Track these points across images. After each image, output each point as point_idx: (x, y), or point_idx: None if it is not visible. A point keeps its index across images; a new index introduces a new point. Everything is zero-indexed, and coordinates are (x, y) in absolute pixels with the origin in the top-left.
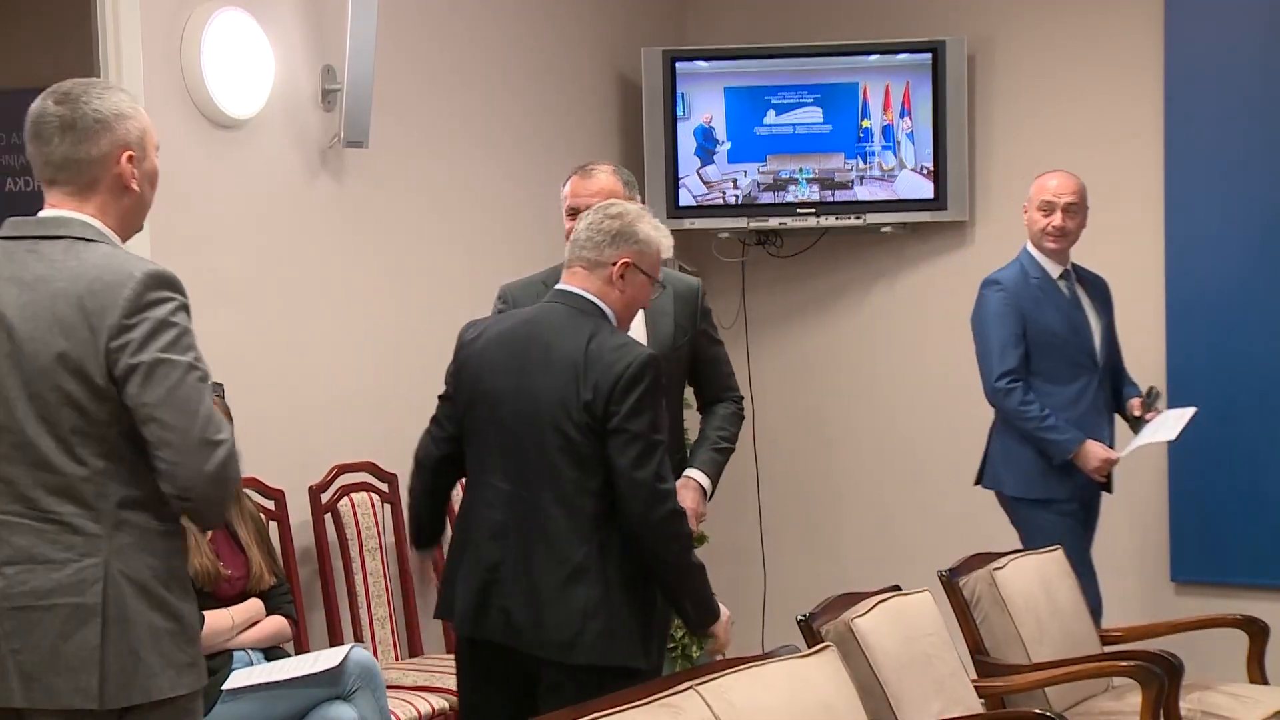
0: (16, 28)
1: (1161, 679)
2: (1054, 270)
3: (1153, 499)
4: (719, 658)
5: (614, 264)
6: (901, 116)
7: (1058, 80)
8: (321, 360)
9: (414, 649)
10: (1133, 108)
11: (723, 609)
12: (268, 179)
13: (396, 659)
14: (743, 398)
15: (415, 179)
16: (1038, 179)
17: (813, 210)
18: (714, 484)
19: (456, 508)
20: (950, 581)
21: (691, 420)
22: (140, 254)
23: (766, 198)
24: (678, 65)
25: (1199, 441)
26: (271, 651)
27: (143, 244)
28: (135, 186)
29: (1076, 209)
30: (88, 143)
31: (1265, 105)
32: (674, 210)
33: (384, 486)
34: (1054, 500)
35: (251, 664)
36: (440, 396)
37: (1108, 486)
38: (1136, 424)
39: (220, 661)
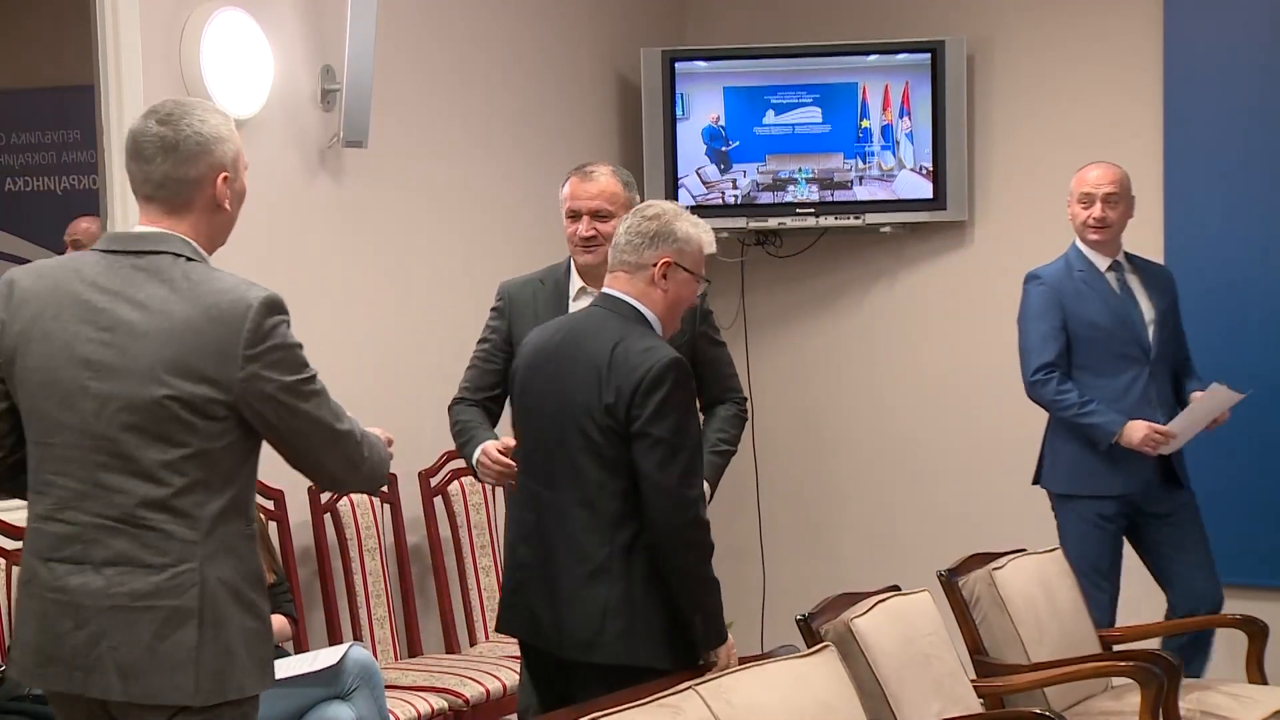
0: (16, 28)
1: (1161, 679)
2: (1101, 262)
3: (1092, 514)
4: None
5: (654, 265)
6: (901, 116)
7: (1057, 80)
8: (320, 360)
9: (413, 649)
10: (1132, 108)
11: (730, 638)
12: (267, 179)
13: (396, 659)
14: (745, 399)
15: (415, 179)
16: (1078, 171)
17: (812, 210)
18: (714, 487)
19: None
20: (949, 581)
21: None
22: None
23: (766, 198)
24: (677, 65)
25: (1199, 441)
26: None
27: None
28: (227, 206)
29: (1117, 199)
30: (187, 164)
31: (1265, 105)
32: None
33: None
34: (1093, 497)
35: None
36: None
37: (1176, 479)
38: None
39: None
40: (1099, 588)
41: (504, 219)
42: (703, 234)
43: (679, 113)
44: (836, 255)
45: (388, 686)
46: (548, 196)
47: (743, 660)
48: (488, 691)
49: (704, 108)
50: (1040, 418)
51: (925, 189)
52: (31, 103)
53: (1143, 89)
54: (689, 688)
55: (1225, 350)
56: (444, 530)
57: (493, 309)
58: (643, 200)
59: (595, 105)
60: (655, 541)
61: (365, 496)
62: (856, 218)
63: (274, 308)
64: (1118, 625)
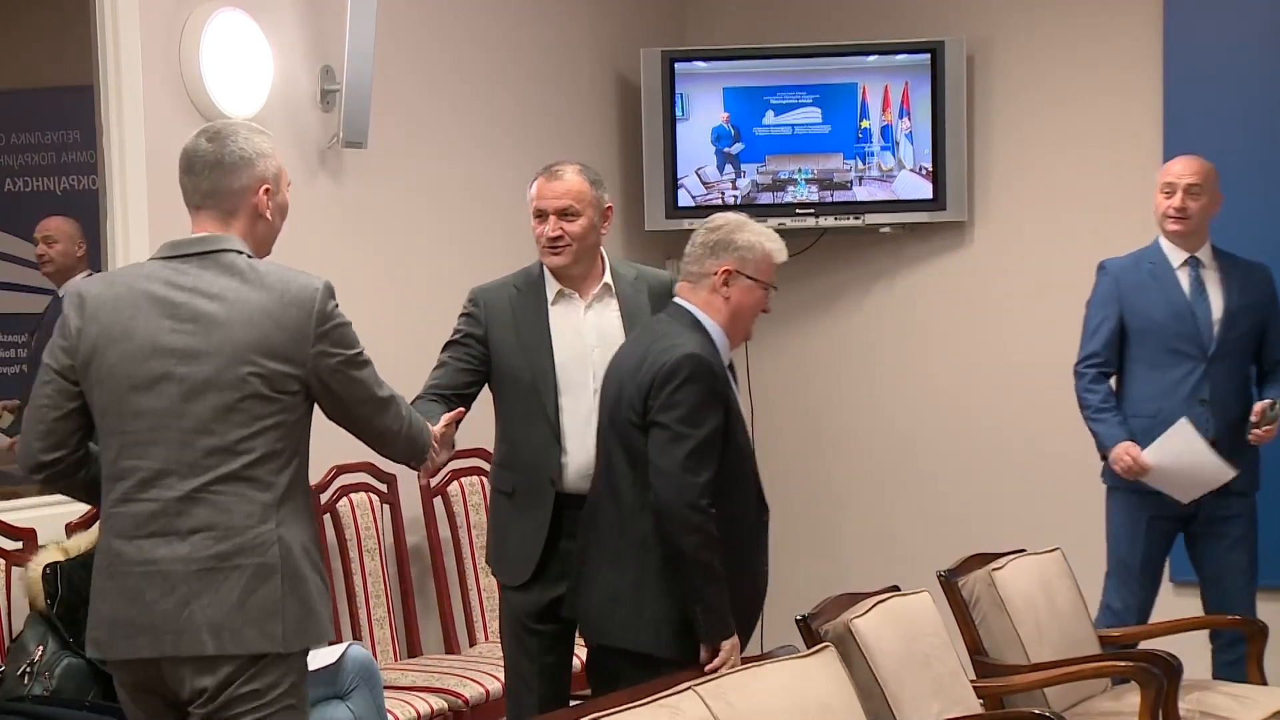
0: (16, 28)
1: (1160, 679)
2: (1176, 257)
3: (1137, 509)
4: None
5: (715, 273)
6: (900, 117)
7: (1056, 81)
8: None
9: (413, 649)
10: (1131, 108)
11: (734, 636)
12: None
13: (395, 659)
14: None
15: (414, 179)
16: (1164, 164)
17: (811, 211)
18: None
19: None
20: (949, 582)
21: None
22: (138, 253)
23: (765, 198)
24: (677, 66)
25: None
26: None
27: (141, 244)
28: (269, 215)
29: (1199, 191)
30: (231, 176)
31: (1263, 105)
32: (673, 211)
33: (383, 487)
34: (1129, 490)
35: None
36: None
37: (1227, 485)
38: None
39: None
40: (1126, 585)
41: (503, 219)
42: (767, 242)
43: (679, 113)
44: (836, 256)
45: (387, 687)
46: None
47: (743, 660)
48: (487, 692)
49: (705, 108)
50: (1040, 418)
51: (925, 189)
52: (31, 103)
53: (1143, 89)
54: (688, 688)
55: None
56: (444, 530)
57: (465, 314)
58: (611, 199)
59: (595, 105)
60: (658, 526)
61: (365, 496)
62: (856, 218)
63: (332, 292)
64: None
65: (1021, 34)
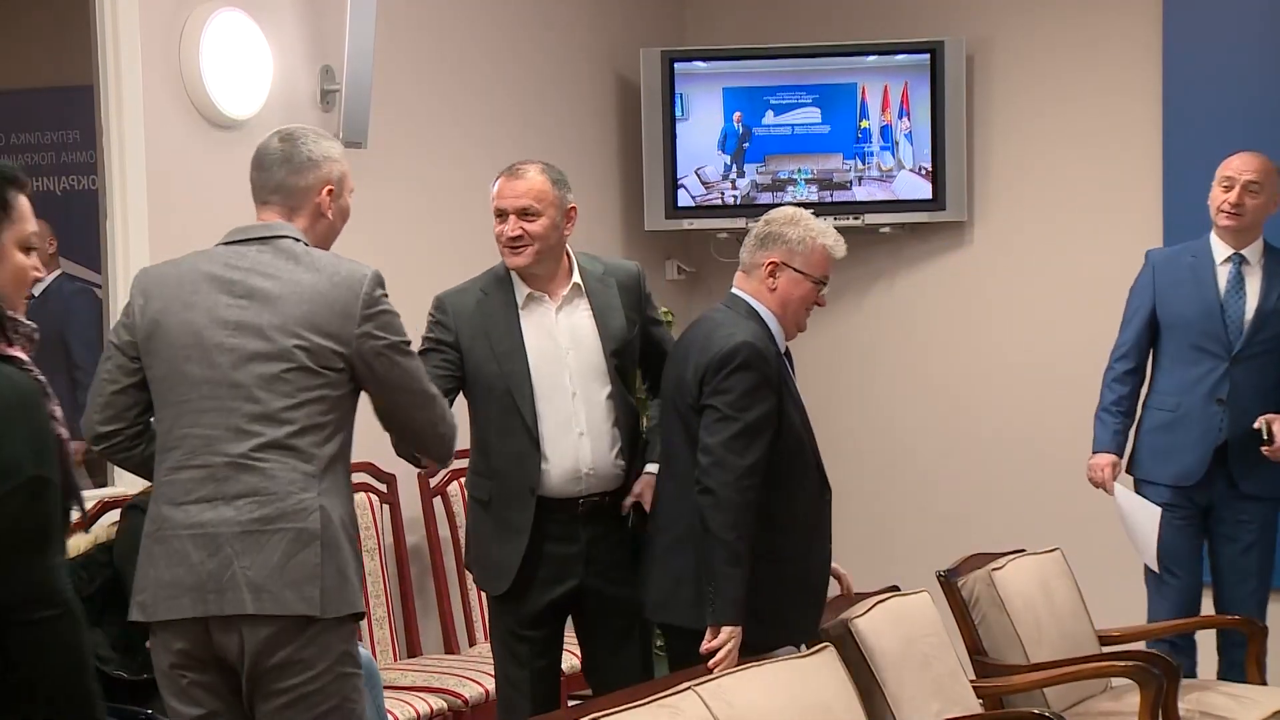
0: (16, 28)
1: (1160, 679)
2: (1221, 253)
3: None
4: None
5: (763, 265)
6: (900, 117)
7: (1056, 81)
8: None
9: (412, 649)
10: (1132, 108)
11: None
12: None
13: (395, 659)
14: None
15: (414, 179)
16: (1225, 158)
17: (811, 211)
18: None
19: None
20: (949, 582)
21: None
22: (138, 253)
23: (765, 198)
24: (676, 66)
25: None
26: None
27: (141, 244)
28: (329, 216)
29: (1259, 188)
30: (298, 175)
31: (1263, 105)
32: (672, 211)
33: (382, 487)
34: (1147, 481)
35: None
36: None
37: (1242, 489)
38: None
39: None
40: (1157, 576)
41: None
42: (819, 238)
43: (678, 113)
44: None
45: (387, 687)
46: None
47: (742, 661)
48: (487, 692)
49: (705, 108)
50: (1040, 418)
51: (924, 189)
52: (31, 103)
53: (1142, 89)
54: (688, 688)
55: None
56: (443, 530)
57: (433, 321)
58: (572, 198)
59: (595, 105)
60: (699, 501)
61: (364, 496)
62: (856, 218)
63: (381, 281)
64: (1116, 625)
65: (1021, 34)
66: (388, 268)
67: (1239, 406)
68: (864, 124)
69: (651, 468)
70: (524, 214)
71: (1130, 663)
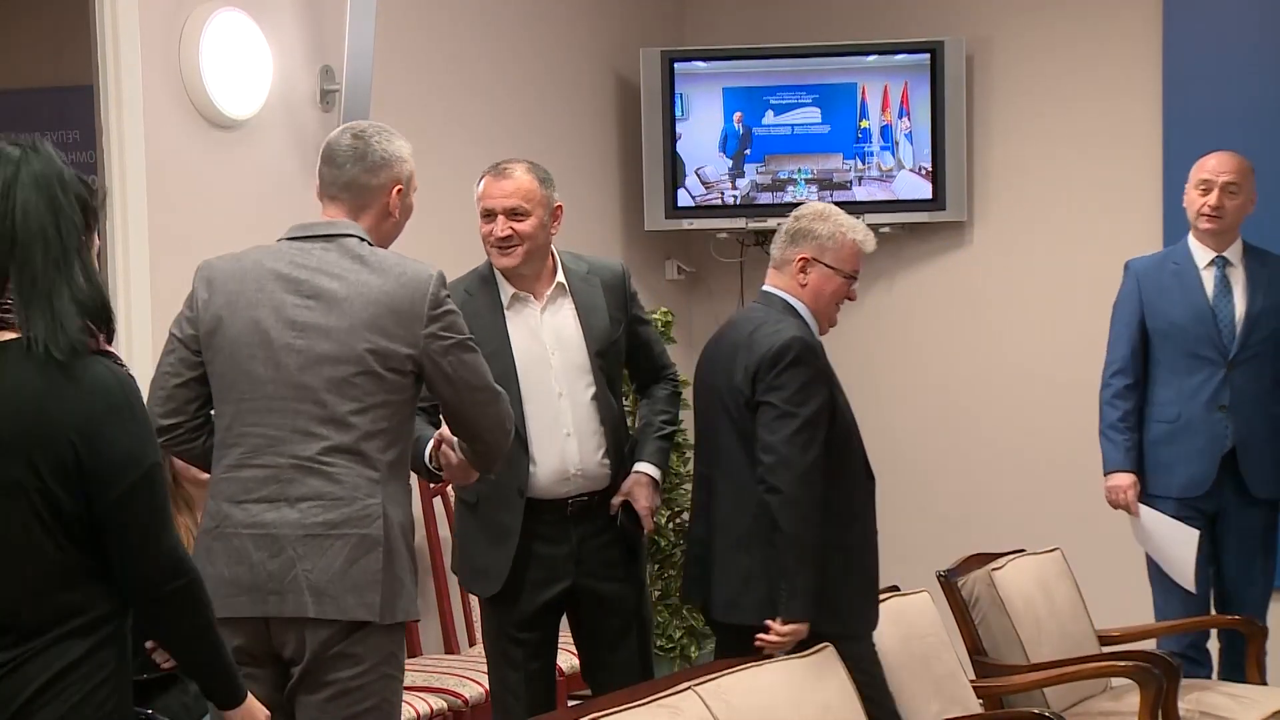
0: (16, 27)
1: (1160, 679)
2: (1203, 257)
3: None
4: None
5: (794, 261)
6: (900, 117)
7: (1056, 81)
8: None
9: (412, 649)
10: (1131, 108)
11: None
12: (266, 179)
13: None
14: (678, 376)
15: None
16: (1200, 158)
17: None
18: (664, 470)
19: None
20: (949, 582)
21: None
22: (138, 253)
23: (765, 198)
24: (676, 66)
25: None
26: None
27: (141, 244)
28: (395, 215)
29: (1238, 189)
30: (370, 173)
31: (1262, 106)
32: (672, 211)
33: None
34: (1156, 496)
35: None
36: None
37: (1248, 492)
38: None
39: None
40: (1164, 584)
41: None
42: (849, 233)
43: (678, 113)
44: None
45: None
46: None
47: (742, 661)
48: (486, 692)
49: (705, 108)
50: (1039, 418)
51: (924, 189)
52: (31, 103)
53: (1142, 89)
54: (688, 688)
55: None
56: (443, 530)
57: None
58: (558, 197)
59: (595, 106)
60: (761, 497)
61: None
62: (855, 218)
63: (445, 281)
64: (1116, 625)
65: (1021, 34)
66: None
67: (1242, 411)
68: (864, 124)
69: (641, 467)
70: (512, 214)
71: (1130, 663)
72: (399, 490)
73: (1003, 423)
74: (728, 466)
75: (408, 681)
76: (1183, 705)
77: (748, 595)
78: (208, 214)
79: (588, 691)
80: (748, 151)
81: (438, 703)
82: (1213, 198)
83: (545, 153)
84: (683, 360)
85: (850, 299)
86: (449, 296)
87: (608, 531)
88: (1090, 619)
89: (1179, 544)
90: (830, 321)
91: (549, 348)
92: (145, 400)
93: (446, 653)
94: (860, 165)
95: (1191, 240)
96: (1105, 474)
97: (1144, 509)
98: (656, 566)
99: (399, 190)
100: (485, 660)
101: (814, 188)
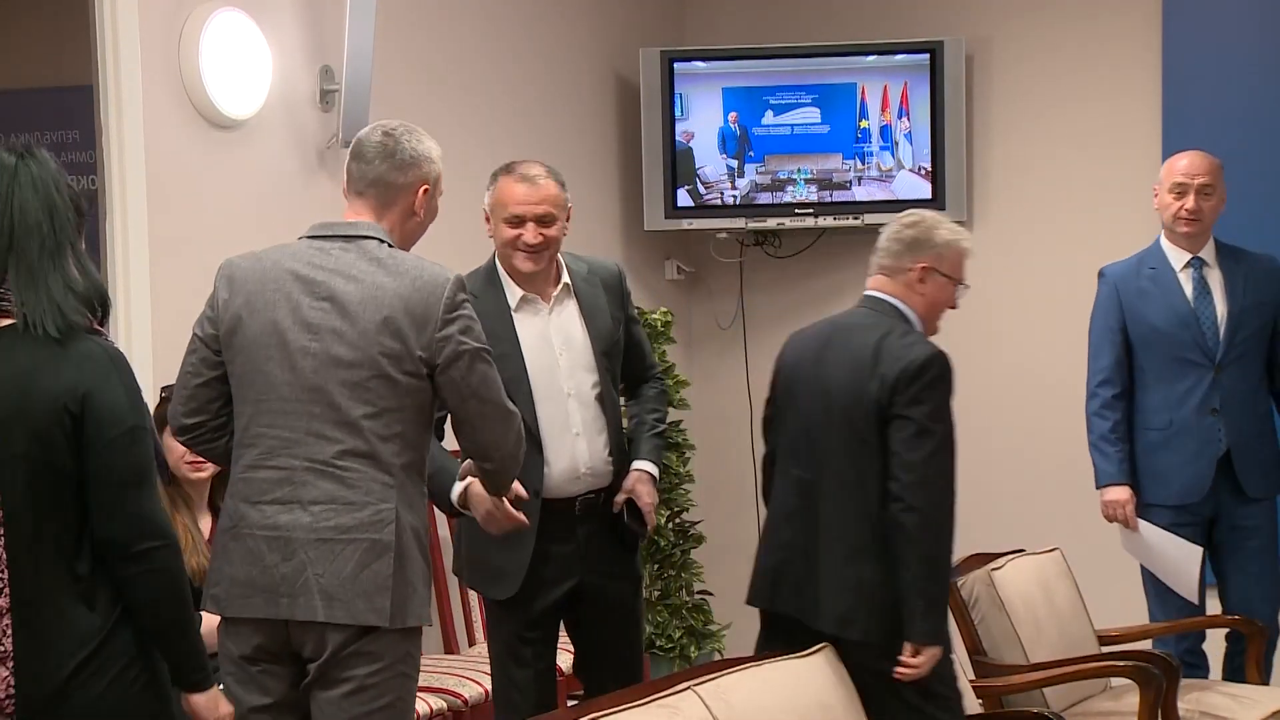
0: (16, 27)
1: (1159, 679)
2: (1179, 259)
3: (1155, 522)
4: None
5: (912, 269)
6: (899, 117)
7: (1055, 81)
8: None
9: None
10: (1131, 108)
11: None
12: (265, 179)
13: None
14: (663, 376)
15: None
16: (1168, 160)
17: (811, 211)
18: (660, 467)
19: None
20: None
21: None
22: (138, 253)
23: (764, 198)
24: (676, 66)
25: None
26: None
27: (140, 243)
28: (420, 215)
29: (1211, 190)
30: (398, 171)
31: (1263, 105)
32: (672, 211)
33: None
34: (1151, 505)
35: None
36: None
37: (1244, 491)
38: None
39: (217, 661)
40: (1158, 589)
41: None
42: (961, 240)
43: (678, 113)
44: (835, 256)
45: None
46: None
47: (741, 660)
48: (486, 692)
49: (705, 108)
50: (1039, 418)
51: (924, 189)
52: (31, 103)
53: (1142, 89)
54: (688, 688)
55: None
56: (443, 531)
57: None
58: (570, 200)
59: (595, 105)
60: (894, 515)
61: None
62: (855, 218)
63: (464, 285)
64: (1116, 625)
65: (1021, 34)
66: None
67: (1233, 413)
68: (863, 124)
69: (640, 464)
70: (541, 220)
71: (1130, 663)
72: (413, 494)
73: (1002, 422)
74: (840, 473)
75: None
76: (1182, 705)
77: (866, 612)
78: (207, 214)
79: (580, 690)
80: (750, 153)
81: (438, 703)
82: (1189, 201)
83: (545, 153)
84: (683, 360)
85: (953, 307)
86: (467, 301)
87: (609, 529)
88: (1090, 619)
89: (1183, 559)
90: (934, 330)
91: (557, 349)
92: (172, 400)
93: (446, 653)
94: (860, 165)
95: (1165, 243)
96: (1099, 487)
97: (1144, 525)
98: (656, 566)
99: (425, 190)
100: (484, 661)
101: (813, 188)
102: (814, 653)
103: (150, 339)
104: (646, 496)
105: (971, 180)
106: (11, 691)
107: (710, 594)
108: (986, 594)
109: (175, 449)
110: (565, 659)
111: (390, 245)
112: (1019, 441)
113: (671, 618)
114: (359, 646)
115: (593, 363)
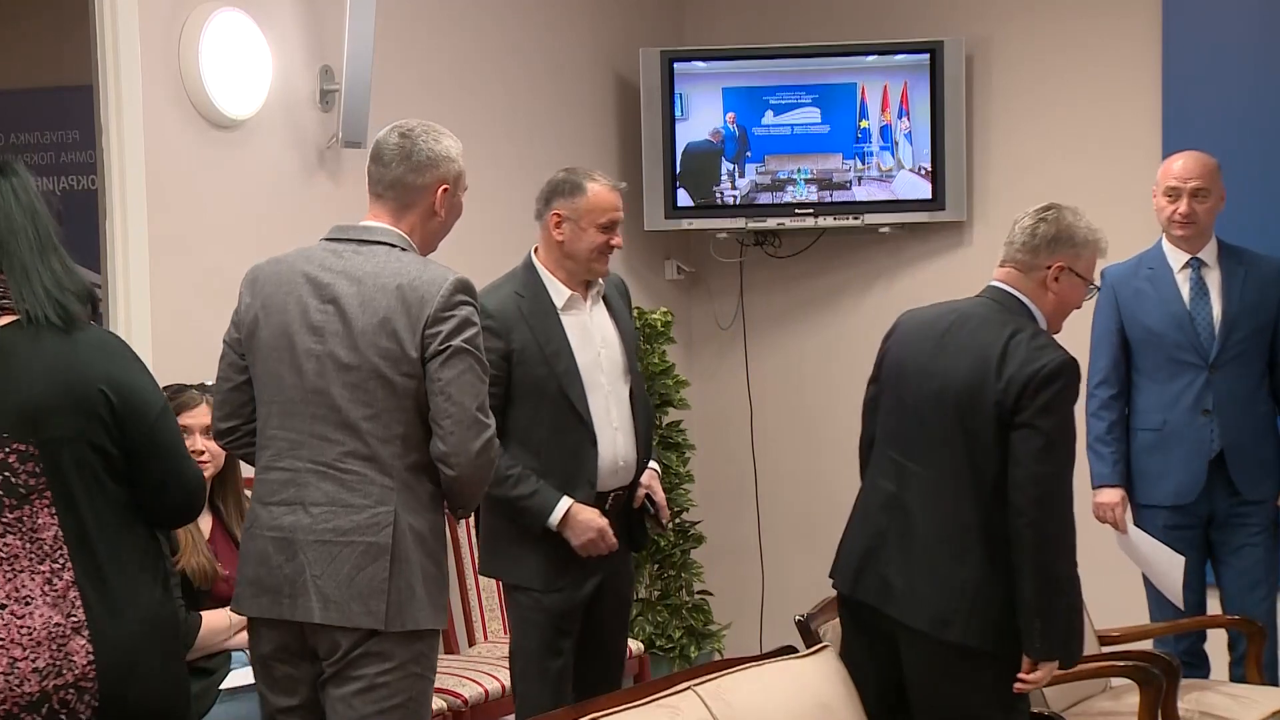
0: (16, 28)
1: (1159, 679)
2: (1177, 260)
3: (1151, 522)
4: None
5: (1049, 267)
6: (899, 117)
7: (1055, 81)
8: None
9: None
10: (1131, 108)
11: (1055, 664)
12: (265, 179)
13: None
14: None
15: None
16: (1164, 162)
17: (811, 211)
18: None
19: None
20: None
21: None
22: (138, 253)
23: (764, 198)
24: (676, 66)
25: None
26: None
27: (140, 244)
28: (441, 214)
29: (1206, 193)
30: (416, 172)
31: (1263, 105)
32: (672, 211)
33: None
34: (1145, 505)
35: (249, 664)
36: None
37: (1238, 490)
38: None
39: (219, 661)
40: (1156, 592)
41: (502, 219)
42: (1100, 240)
43: (678, 113)
44: (835, 255)
45: None
46: None
47: (741, 661)
48: (486, 692)
49: (705, 108)
50: None
51: (924, 189)
52: (31, 103)
53: (1142, 89)
54: (688, 688)
55: None
56: (460, 532)
57: (483, 329)
58: (643, 199)
59: (594, 106)
60: (1019, 531)
61: None
62: (855, 218)
63: (465, 288)
64: (1116, 625)
65: (1021, 34)
66: None
67: (1227, 414)
68: (863, 124)
69: (649, 464)
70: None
71: (1130, 663)
72: (419, 497)
73: None
74: (944, 465)
75: None
76: (1182, 705)
77: (967, 615)
78: (207, 214)
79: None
80: (749, 153)
81: (438, 703)
82: (1183, 205)
83: (545, 153)
84: (683, 360)
85: (1078, 308)
86: (466, 304)
87: (624, 526)
88: (1090, 619)
89: (1167, 565)
90: (1057, 329)
91: (598, 345)
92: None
93: (446, 653)
94: (860, 165)
95: (1165, 244)
96: (1093, 488)
97: (1132, 529)
98: (656, 566)
99: (445, 190)
100: (484, 661)
101: (813, 188)
102: (814, 653)
103: (150, 339)
104: (660, 493)
105: (971, 180)
106: (91, 658)
107: (710, 594)
108: None
109: None
110: None
111: (404, 249)
112: None
113: (671, 618)
114: (368, 647)
115: (624, 360)
